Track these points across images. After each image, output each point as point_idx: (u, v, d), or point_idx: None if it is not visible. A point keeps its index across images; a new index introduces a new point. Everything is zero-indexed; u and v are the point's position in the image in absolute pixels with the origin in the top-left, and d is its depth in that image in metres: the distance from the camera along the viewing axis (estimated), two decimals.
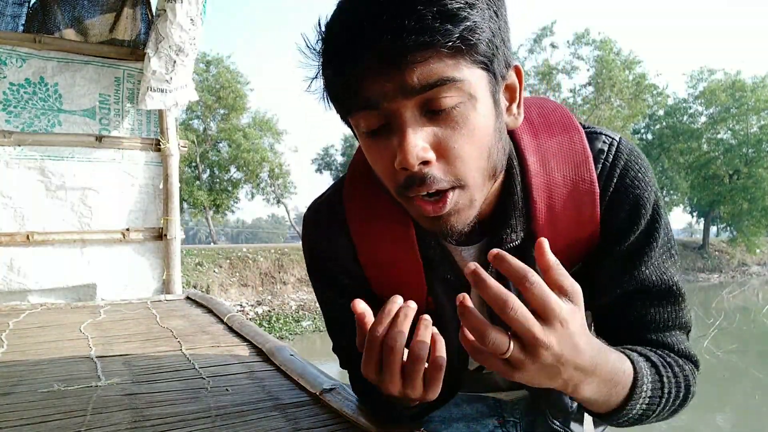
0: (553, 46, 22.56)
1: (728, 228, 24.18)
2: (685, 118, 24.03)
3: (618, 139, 0.70)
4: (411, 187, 0.58)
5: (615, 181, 0.68)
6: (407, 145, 0.54)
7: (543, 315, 0.50)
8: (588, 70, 22.24)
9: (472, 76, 0.55)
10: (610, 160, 0.68)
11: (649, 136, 24.93)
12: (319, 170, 27.51)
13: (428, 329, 0.59)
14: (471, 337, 0.52)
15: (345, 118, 0.63)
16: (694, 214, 26.87)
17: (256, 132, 21.06)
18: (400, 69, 0.53)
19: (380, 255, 0.73)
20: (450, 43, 0.52)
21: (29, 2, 2.49)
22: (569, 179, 0.68)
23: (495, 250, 0.50)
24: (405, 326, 0.58)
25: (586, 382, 0.56)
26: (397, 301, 0.59)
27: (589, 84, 22.03)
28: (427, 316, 0.60)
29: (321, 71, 0.60)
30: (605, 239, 0.70)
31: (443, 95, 0.54)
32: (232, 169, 21.32)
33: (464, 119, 0.56)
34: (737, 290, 16.14)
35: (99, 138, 2.54)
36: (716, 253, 23.00)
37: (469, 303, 0.51)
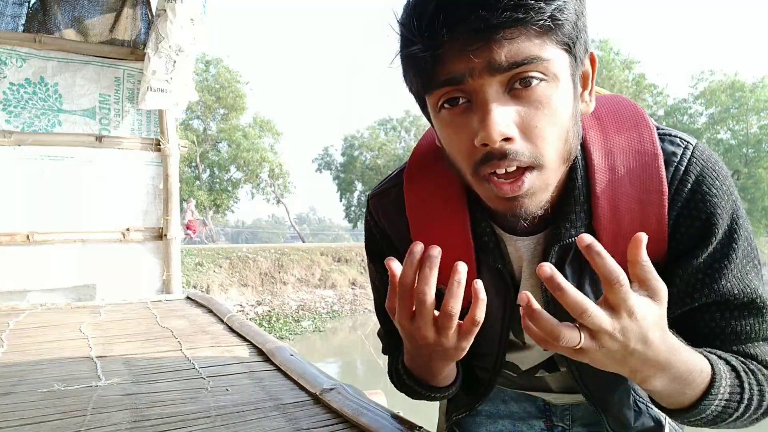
0: None
1: None
2: (685, 118, 24.04)
3: (694, 144, 0.66)
4: (490, 162, 0.57)
5: (688, 188, 0.64)
6: (491, 121, 0.54)
7: (616, 308, 0.50)
8: None
9: (556, 56, 0.55)
10: (684, 164, 0.65)
11: None
12: (319, 170, 27.51)
13: (460, 286, 0.58)
14: (537, 330, 0.51)
15: (422, 95, 0.62)
16: None
17: (256, 132, 21.06)
18: (489, 45, 0.53)
19: (433, 237, 0.72)
20: (541, 21, 0.52)
21: (29, 2, 2.50)
22: (636, 177, 0.65)
23: (587, 240, 0.50)
24: (431, 278, 0.58)
25: (657, 376, 0.55)
26: (417, 248, 0.59)
27: None
28: (477, 281, 0.59)
29: (405, 45, 0.58)
30: (677, 250, 0.67)
31: (529, 74, 0.54)
32: (232, 169, 21.33)
33: (547, 99, 0.56)
34: None
35: (99, 138, 2.54)
36: None
37: (536, 304, 0.51)
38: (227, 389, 1.11)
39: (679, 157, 0.65)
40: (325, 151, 27.69)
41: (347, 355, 9.46)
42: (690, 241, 0.66)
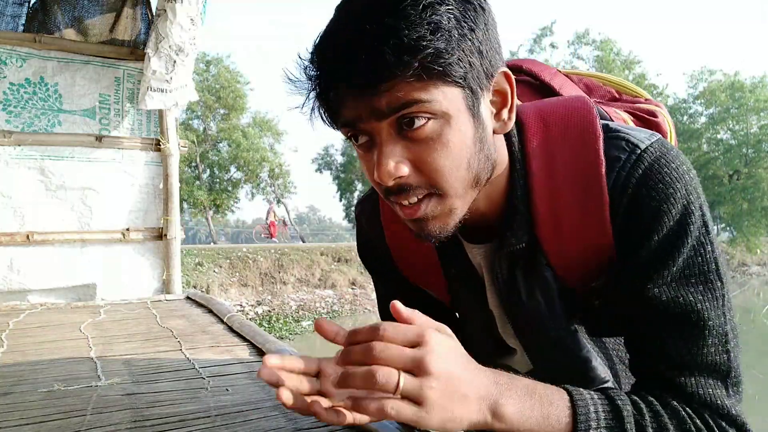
0: (552, 46, 22.58)
1: (728, 228, 24.17)
2: (685, 118, 24.04)
3: (643, 147, 0.63)
4: (392, 195, 0.62)
5: (630, 190, 0.62)
6: (381, 163, 0.59)
7: (412, 344, 0.54)
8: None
9: (442, 95, 0.57)
10: (626, 169, 0.63)
11: None
12: (319, 170, 27.50)
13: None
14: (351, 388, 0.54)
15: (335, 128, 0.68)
16: None
17: (256, 132, 21.05)
18: (370, 96, 0.56)
19: (405, 250, 0.79)
20: (410, 73, 0.54)
21: (29, 2, 2.49)
22: (576, 184, 0.65)
23: (322, 324, 0.59)
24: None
25: (503, 397, 0.56)
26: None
27: None
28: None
29: (309, 89, 0.63)
30: (621, 253, 0.66)
31: (413, 115, 0.57)
32: (232, 169, 21.33)
33: (437, 135, 0.58)
34: (737, 291, 16.13)
35: (99, 138, 2.54)
36: None
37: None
38: (227, 389, 1.11)
39: (622, 161, 0.63)
40: (325, 151, 27.70)
41: None
42: (630, 244, 0.64)
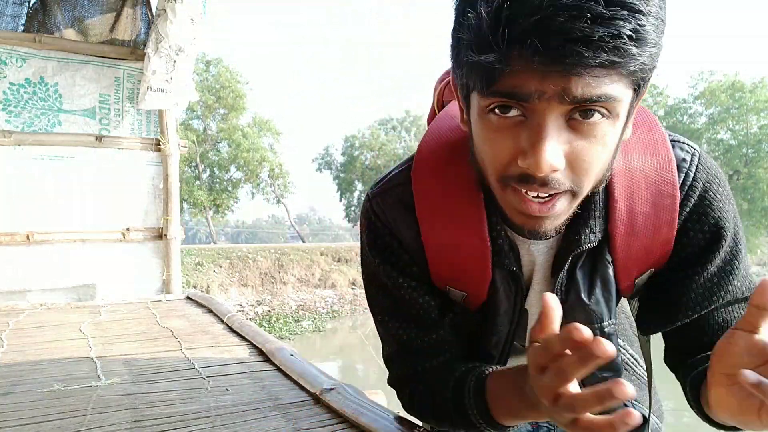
0: None
1: None
2: (685, 118, 24.04)
3: (699, 151, 0.67)
4: (525, 183, 0.55)
5: (697, 194, 0.66)
6: (543, 151, 0.52)
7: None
8: None
9: (624, 95, 0.53)
10: (693, 170, 0.66)
11: None
12: (319, 169, 27.51)
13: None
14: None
15: (470, 91, 0.57)
16: None
17: (256, 132, 21.06)
18: (570, 76, 0.49)
19: (446, 237, 0.71)
20: (631, 68, 0.50)
21: (29, 2, 2.50)
22: (651, 181, 0.66)
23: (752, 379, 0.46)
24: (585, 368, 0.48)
25: None
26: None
27: None
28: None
29: (479, 46, 0.51)
30: (682, 254, 0.68)
31: (596, 109, 0.52)
32: (232, 169, 21.32)
33: (602, 135, 0.54)
34: None
35: (99, 138, 2.54)
36: None
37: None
38: (227, 389, 1.11)
39: (689, 163, 0.66)
40: (325, 150, 27.71)
41: (347, 355, 9.46)
42: (698, 246, 0.67)
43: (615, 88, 0.51)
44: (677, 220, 0.66)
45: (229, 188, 21.30)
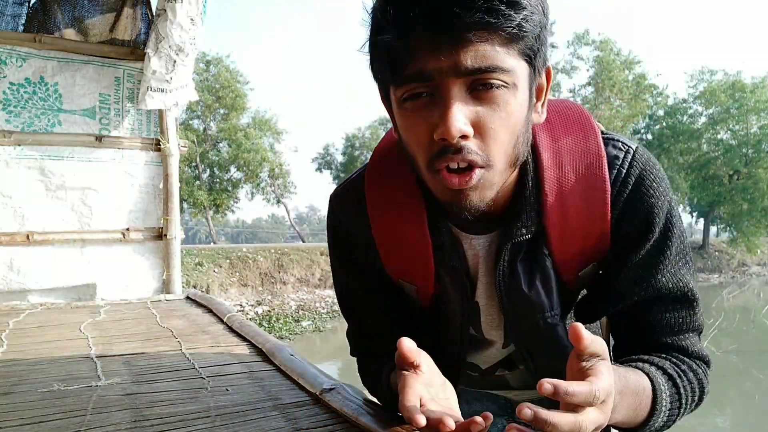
0: (552, 46, 22.56)
1: (728, 228, 24.16)
2: (685, 118, 24.02)
3: (635, 148, 0.71)
4: (444, 156, 0.60)
5: (629, 188, 0.70)
6: (451, 118, 0.57)
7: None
8: (587, 70, 22.25)
9: (517, 65, 0.59)
10: (626, 167, 0.70)
11: (649, 137, 24.92)
12: (319, 169, 27.50)
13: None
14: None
15: (387, 85, 0.64)
16: (694, 214, 26.86)
17: (256, 132, 21.05)
18: (458, 47, 0.56)
19: (393, 236, 0.76)
20: (509, 29, 0.55)
21: (29, 2, 2.49)
22: (582, 176, 0.70)
23: (548, 387, 0.49)
24: None
25: (615, 411, 0.59)
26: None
27: (589, 84, 22.05)
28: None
29: (377, 31, 0.60)
30: (618, 245, 0.73)
31: (491, 79, 0.58)
32: (232, 169, 21.32)
33: (505, 104, 0.59)
34: (737, 290, 16.14)
35: (99, 138, 2.54)
36: (716, 253, 23.01)
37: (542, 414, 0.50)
38: (227, 389, 1.11)
39: (621, 160, 0.70)
40: (325, 150, 27.70)
41: (347, 355, 9.45)
42: (631, 236, 0.71)
43: (503, 59, 0.57)
44: (609, 214, 0.70)
45: (229, 188, 21.30)
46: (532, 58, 0.60)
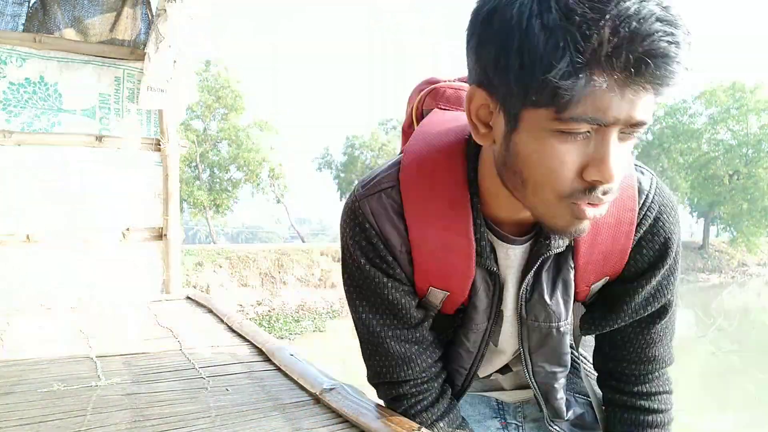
0: None
1: (728, 228, 24.15)
2: (685, 118, 24.02)
3: (657, 178, 0.77)
4: (592, 195, 0.59)
5: (653, 216, 0.75)
6: (612, 165, 0.57)
7: None
8: None
9: None
10: (652, 194, 0.75)
11: (649, 136, 24.90)
12: (319, 169, 27.49)
13: None
14: None
15: (524, 107, 0.57)
16: (694, 214, 26.82)
17: (257, 132, 21.06)
18: (637, 101, 0.54)
19: (434, 237, 0.74)
20: (673, 84, 0.53)
21: (29, 2, 2.49)
22: (616, 196, 0.72)
23: None
24: None
25: None
26: None
27: None
28: None
29: (555, 57, 0.51)
30: (635, 266, 0.77)
31: (639, 130, 0.58)
32: (232, 169, 21.31)
33: (631, 148, 0.61)
34: (737, 290, 16.13)
35: (99, 138, 2.54)
36: (716, 253, 22.99)
37: None
38: (227, 389, 1.11)
39: (648, 186, 0.75)
40: (325, 150, 27.69)
41: (347, 355, 9.47)
42: (647, 262, 0.77)
43: (652, 111, 0.57)
44: (633, 234, 0.74)
45: (229, 188, 21.29)
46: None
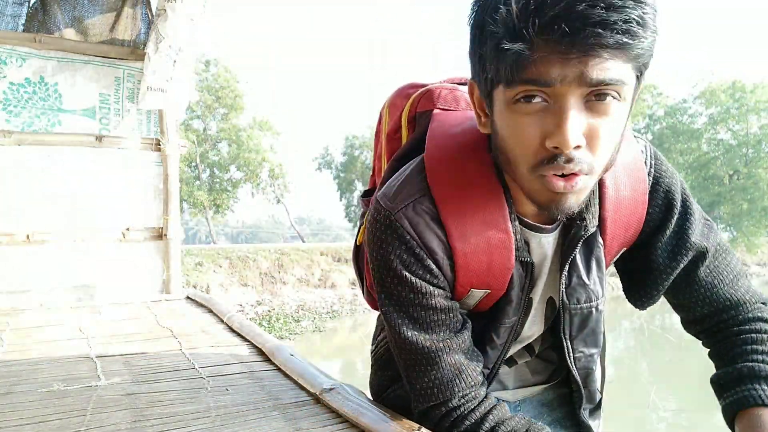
0: None
1: (728, 228, 24.16)
2: (685, 118, 24.03)
3: (646, 141, 0.81)
4: (554, 164, 0.61)
5: (653, 174, 0.78)
6: (568, 129, 0.58)
7: None
8: None
9: (631, 80, 0.61)
10: (647, 156, 0.79)
11: (649, 136, 24.92)
12: (319, 169, 27.51)
13: None
14: None
15: (492, 84, 0.63)
16: None
17: (257, 132, 21.06)
18: (587, 59, 0.56)
19: (474, 236, 0.74)
20: (638, 50, 0.57)
21: (29, 2, 2.49)
22: (629, 168, 0.77)
23: None
24: None
25: None
26: None
27: None
28: None
29: (508, 35, 0.58)
30: (647, 227, 0.80)
31: (608, 91, 0.59)
32: (232, 169, 21.32)
33: (613, 116, 0.61)
34: None
35: (99, 138, 2.54)
36: None
37: None
38: (227, 389, 1.11)
39: (645, 150, 0.79)
40: (325, 150, 27.69)
41: (347, 355, 9.46)
42: (657, 217, 0.79)
43: (624, 73, 0.58)
44: (648, 201, 0.78)
45: (229, 188, 21.30)
46: (641, 73, 0.62)
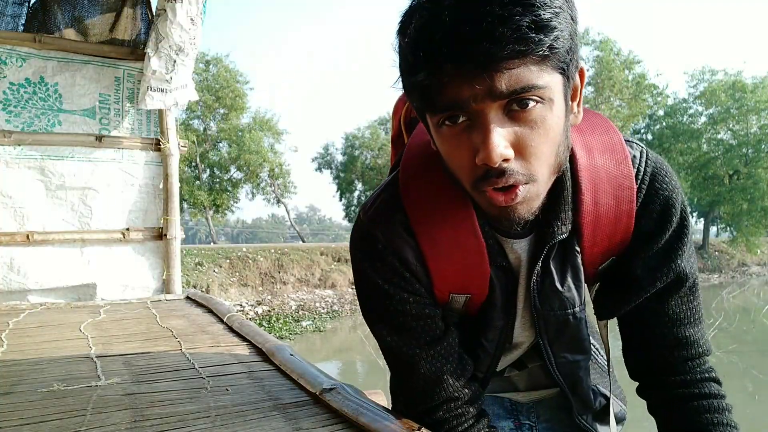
0: None
1: (728, 228, 24.15)
2: (685, 118, 24.01)
3: (646, 148, 0.77)
4: (488, 179, 0.61)
5: (647, 184, 0.74)
6: (491, 144, 0.58)
7: None
8: (587, 70, 22.18)
9: (552, 80, 0.59)
10: (643, 165, 0.74)
11: (649, 136, 24.90)
12: (319, 169, 27.49)
13: None
14: None
15: (424, 113, 0.66)
16: (694, 214, 26.81)
17: (257, 132, 21.06)
18: (491, 74, 0.56)
19: (445, 242, 0.75)
20: (541, 53, 0.56)
21: (29, 2, 2.49)
22: (612, 175, 0.73)
23: None
24: None
25: None
26: None
27: (589, 84, 22.03)
28: None
29: (409, 71, 0.61)
30: (638, 238, 0.76)
31: (526, 99, 0.58)
32: (232, 169, 21.32)
33: (542, 120, 0.60)
34: (737, 290, 16.14)
35: (99, 138, 2.54)
36: (716, 253, 22.99)
37: None
38: (227, 389, 1.11)
39: (638, 158, 0.75)
40: (325, 149, 27.68)
41: (347, 355, 9.46)
42: (650, 228, 0.75)
43: (537, 76, 0.57)
44: (634, 211, 0.74)
45: (229, 188, 21.30)
46: (566, 68, 0.61)
